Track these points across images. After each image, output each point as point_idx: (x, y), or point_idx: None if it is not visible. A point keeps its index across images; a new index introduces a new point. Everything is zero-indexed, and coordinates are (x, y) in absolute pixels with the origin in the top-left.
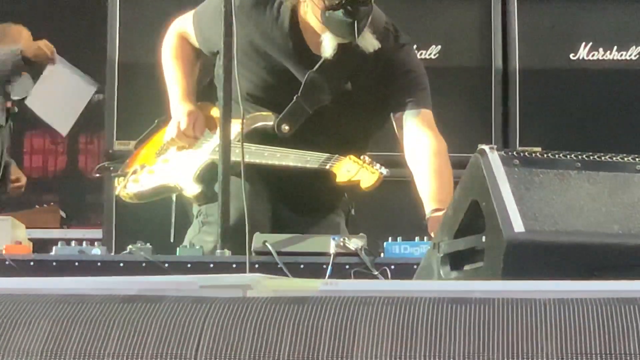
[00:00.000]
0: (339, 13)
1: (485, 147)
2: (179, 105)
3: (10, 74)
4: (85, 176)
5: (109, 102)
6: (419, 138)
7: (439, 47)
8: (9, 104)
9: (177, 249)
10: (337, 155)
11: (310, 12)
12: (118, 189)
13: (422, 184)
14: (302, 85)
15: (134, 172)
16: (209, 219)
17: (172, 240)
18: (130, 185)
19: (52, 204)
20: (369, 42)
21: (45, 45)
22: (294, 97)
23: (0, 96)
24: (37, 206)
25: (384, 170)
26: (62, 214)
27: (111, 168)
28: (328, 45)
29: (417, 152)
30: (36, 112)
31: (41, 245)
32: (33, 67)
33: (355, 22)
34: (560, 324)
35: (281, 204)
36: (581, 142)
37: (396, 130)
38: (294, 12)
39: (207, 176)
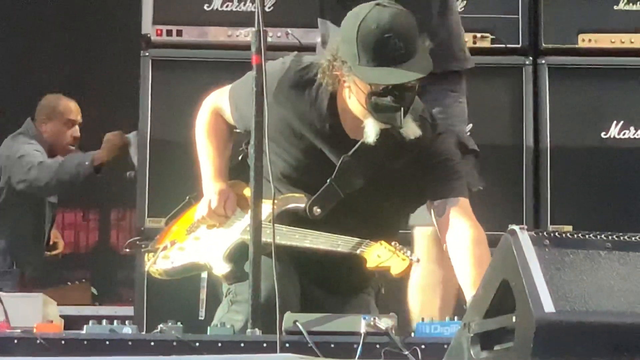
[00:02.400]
0: (386, 99)
1: (516, 227)
2: (211, 183)
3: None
4: (116, 252)
5: (140, 178)
6: (459, 227)
7: (471, 125)
8: None
9: (208, 328)
10: (368, 241)
11: (354, 97)
12: (148, 265)
13: (462, 271)
14: (336, 169)
15: (164, 249)
16: (238, 297)
17: (201, 318)
18: (160, 261)
19: (83, 280)
20: (411, 129)
21: (113, 140)
22: (328, 181)
23: None
24: (68, 283)
25: (415, 257)
26: (94, 290)
27: (142, 244)
28: (371, 131)
29: (458, 241)
30: None
31: (73, 323)
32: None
33: (402, 108)
34: None
35: (311, 283)
36: (613, 221)
37: (434, 218)
38: (334, 96)
39: (237, 255)
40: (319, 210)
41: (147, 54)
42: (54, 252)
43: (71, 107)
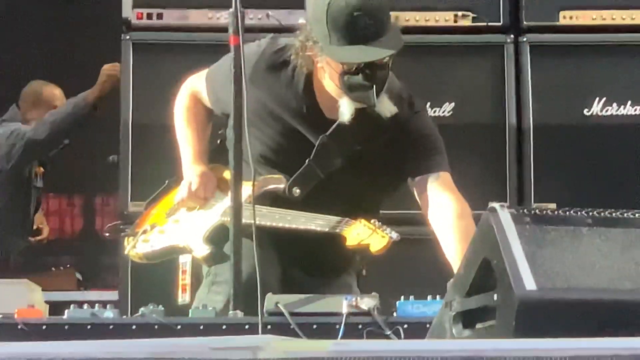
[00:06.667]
0: (358, 77)
1: (496, 205)
2: (191, 166)
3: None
4: (101, 238)
5: (123, 163)
6: (443, 202)
7: (453, 104)
8: (41, 168)
9: (190, 310)
10: (347, 219)
11: (327, 77)
12: (127, 249)
13: (448, 246)
14: (314, 149)
15: (144, 232)
16: (218, 279)
17: (184, 302)
18: (140, 245)
19: (68, 266)
20: (387, 107)
21: (108, 72)
22: (306, 161)
23: (36, 161)
24: (53, 268)
25: (394, 235)
26: (79, 276)
27: (123, 229)
28: (346, 110)
29: (442, 216)
30: None
31: (57, 308)
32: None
33: (374, 86)
34: None
35: (291, 265)
36: (596, 197)
37: (416, 195)
38: (309, 76)
39: (217, 237)
40: (298, 190)
41: (127, 37)
42: (38, 238)
43: (55, 93)
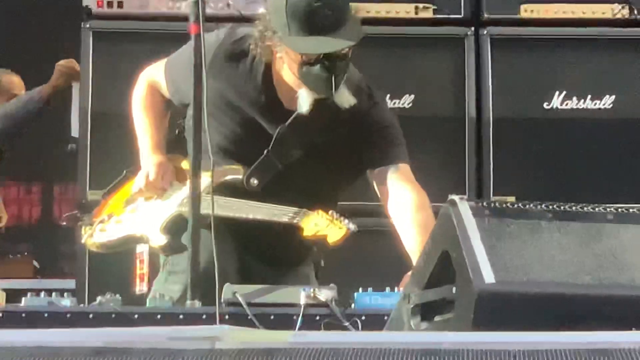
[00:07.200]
0: (317, 68)
1: (456, 198)
2: (149, 156)
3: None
4: (59, 226)
5: (81, 151)
6: (402, 193)
7: (413, 96)
8: None
9: (147, 300)
10: (305, 210)
11: (286, 67)
12: (84, 238)
13: (407, 238)
14: (272, 140)
15: (102, 222)
16: (175, 268)
17: (142, 292)
18: (98, 234)
19: (25, 254)
20: (345, 98)
21: (62, 68)
22: (264, 152)
23: None
24: (10, 256)
25: (352, 226)
26: (36, 264)
27: (81, 218)
28: (304, 101)
29: (401, 208)
30: None
31: (15, 296)
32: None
33: (333, 77)
34: None
35: (249, 255)
36: (555, 191)
37: (375, 186)
38: (268, 66)
39: (174, 227)
40: (256, 181)
41: (88, 25)
42: None
43: (14, 81)
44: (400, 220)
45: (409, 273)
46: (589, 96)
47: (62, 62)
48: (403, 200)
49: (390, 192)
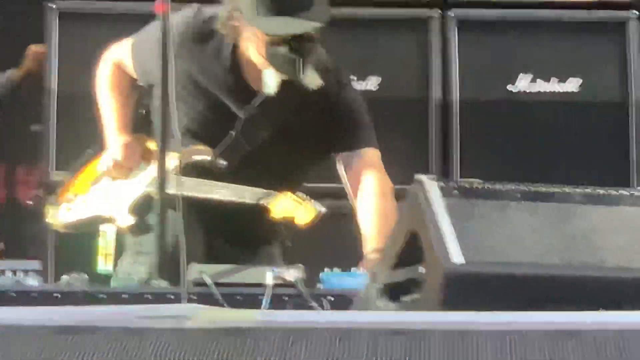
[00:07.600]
0: (283, 49)
1: (423, 177)
2: (115, 136)
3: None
4: (24, 207)
5: (46, 131)
6: (365, 178)
7: (379, 78)
8: None
9: (112, 279)
10: (273, 191)
11: (253, 48)
12: (49, 218)
13: (365, 223)
14: (240, 122)
15: (67, 201)
16: (142, 249)
17: (107, 270)
18: (63, 214)
19: None
20: (312, 79)
21: (37, 50)
22: (232, 133)
23: None
24: None
25: (321, 208)
26: (1, 245)
27: (46, 198)
28: (271, 82)
29: (363, 193)
30: None
31: None
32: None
33: (300, 58)
34: (499, 355)
35: (215, 235)
36: (521, 173)
37: (342, 169)
38: (235, 47)
39: (141, 208)
40: (223, 162)
41: (52, 5)
42: None
43: None
44: (361, 206)
45: (369, 253)
46: (555, 79)
47: (34, 46)
48: (365, 186)
49: (354, 178)
